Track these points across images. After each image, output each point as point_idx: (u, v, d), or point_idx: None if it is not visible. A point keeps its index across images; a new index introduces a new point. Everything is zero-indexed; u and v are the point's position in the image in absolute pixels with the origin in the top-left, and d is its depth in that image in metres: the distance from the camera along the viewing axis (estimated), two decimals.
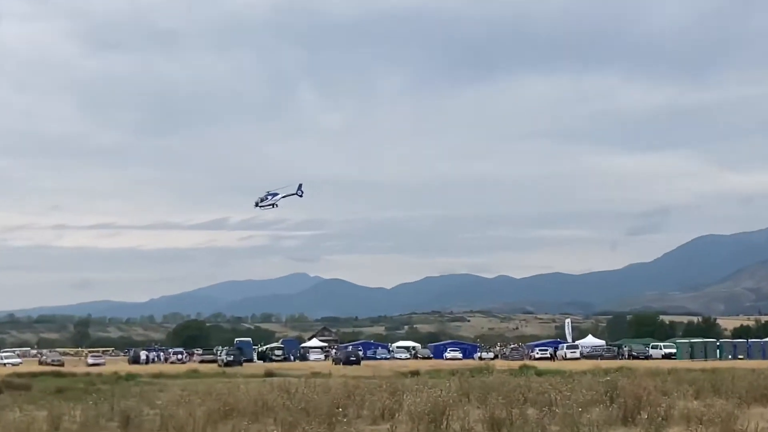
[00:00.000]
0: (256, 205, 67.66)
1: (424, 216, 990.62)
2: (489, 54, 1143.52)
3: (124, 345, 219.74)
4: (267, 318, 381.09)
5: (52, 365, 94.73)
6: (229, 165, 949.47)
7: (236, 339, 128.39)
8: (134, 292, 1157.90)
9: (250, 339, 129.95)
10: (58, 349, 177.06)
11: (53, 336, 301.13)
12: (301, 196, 67.31)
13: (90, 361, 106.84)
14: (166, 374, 59.04)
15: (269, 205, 67.65)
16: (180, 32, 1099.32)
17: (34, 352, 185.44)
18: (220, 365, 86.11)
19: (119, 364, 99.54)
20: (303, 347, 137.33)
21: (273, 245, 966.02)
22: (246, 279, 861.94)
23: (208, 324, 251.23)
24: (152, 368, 77.22)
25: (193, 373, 60.97)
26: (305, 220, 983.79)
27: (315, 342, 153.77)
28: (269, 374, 54.57)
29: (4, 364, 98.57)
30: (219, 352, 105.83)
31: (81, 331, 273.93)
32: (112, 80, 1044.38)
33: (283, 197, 67.53)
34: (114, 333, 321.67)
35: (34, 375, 56.72)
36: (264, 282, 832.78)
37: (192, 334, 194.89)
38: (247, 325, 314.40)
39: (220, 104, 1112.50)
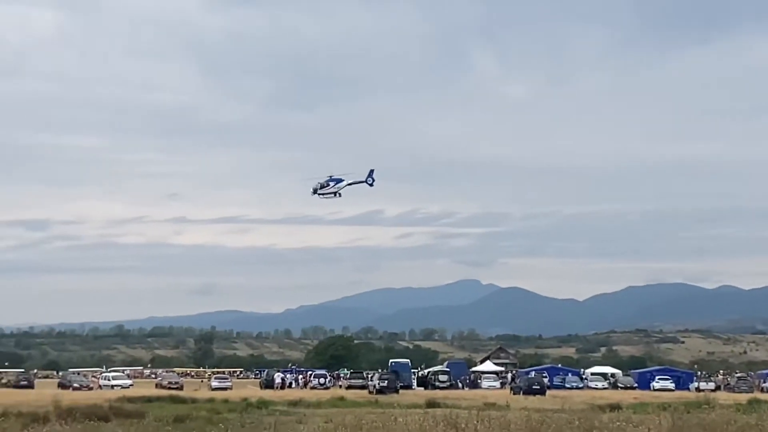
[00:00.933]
0: (315, 192, 67.90)
1: (628, 211, 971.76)
2: (710, 8, 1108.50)
3: (254, 365, 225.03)
4: (429, 335, 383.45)
5: (169, 388, 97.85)
6: (382, 145, 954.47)
7: (391, 360, 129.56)
8: (267, 301, 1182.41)
9: (408, 360, 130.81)
10: (175, 369, 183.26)
11: (170, 353, 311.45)
12: (371, 185, 67.41)
13: (214, 384, 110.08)
14: (306, 402, 60.10)
15: (331, 193, 67.74)
16: None
17: (147, 371, 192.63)
18: (371, 392, 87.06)
19: (249, 389, 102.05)
20: (473, 371, 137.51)
21: (437, 245, 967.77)
22: (403, 286, 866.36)
23: (356, 341, 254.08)
24: (289, 394, 78.81)
25: (339, 401, 61.83)
26: (477, 215, 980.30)
27: (488, 365, 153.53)
28: (432, 404, 54.78)
29: (112, 387, 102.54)
30: (370, 375, 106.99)
31: (203, 347, 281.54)
32: (238, 41, 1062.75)
33: (349, 185, 67.66)
34: (242, 350, 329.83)
35: (147, 400, 58.72)
36: (425, 291, 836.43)
37: (337, 354, 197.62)
38: (404, 343, 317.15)
39: (370, 71, 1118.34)
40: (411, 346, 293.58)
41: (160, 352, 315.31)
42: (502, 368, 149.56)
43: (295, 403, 57.96)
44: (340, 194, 67.27)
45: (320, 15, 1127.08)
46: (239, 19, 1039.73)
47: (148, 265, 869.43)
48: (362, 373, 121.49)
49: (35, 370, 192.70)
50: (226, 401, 58.67)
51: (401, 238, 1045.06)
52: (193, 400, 59.87)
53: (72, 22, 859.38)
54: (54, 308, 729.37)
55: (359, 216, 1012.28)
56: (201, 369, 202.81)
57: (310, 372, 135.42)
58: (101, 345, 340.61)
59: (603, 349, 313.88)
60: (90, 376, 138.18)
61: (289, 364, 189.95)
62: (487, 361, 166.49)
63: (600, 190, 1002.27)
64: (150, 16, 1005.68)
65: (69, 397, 57.64)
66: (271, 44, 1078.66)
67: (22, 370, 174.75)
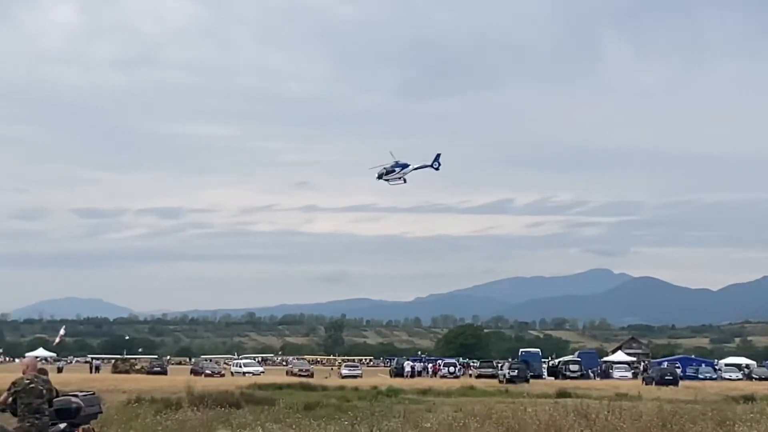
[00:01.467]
0: (380, 177, 67.04)
1: (766, 199, 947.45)
2: None
3: (384, 353, 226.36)
4: (559, 324, 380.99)
5: (300, 375, 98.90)
6: (514, 134, 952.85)
7: (521, 349, 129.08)
8: (397, 290, 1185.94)
9: (538, 350, 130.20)
10: (306, 357, 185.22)
11: (300, 340, 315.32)
12: (437, 169, 66.62)
13: (344, 371, 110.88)
14: (436, 390, 60.06)
15: (397, 178, 66.94)
16: None
17: (278, 359, 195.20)
18: (501, 381, 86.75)
19: (379, 377, 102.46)
20: (605, 361, 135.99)
21: (568, 234, 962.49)
22: (534, 275, 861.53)
23: (486, 330, 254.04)
24: (418, 382, 78.79)
25: (469, 390, 61.64)
26: (610, 203, 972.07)
27: (620, 355, 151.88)
28: (562, 394, 54.28)
29: (244, 374, 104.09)
30: (500, 365, 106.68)
31: (333, 335, 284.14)
32: (371, 30, 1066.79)
33: (416, 169, 66.90)
34: (372, 338, 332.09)
35: (278, 387, 59.26)
36: (556, 280, 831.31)
37: (467, 342, 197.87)
38: (534, 333, 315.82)
39: (503, 59, 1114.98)
40: (541, 336, 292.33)
41: (291, 339, 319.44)
42: (634, 358, 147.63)
43: (424, 392, 57.95)
44: (405, 179, 66.54)
45: (452, 3, 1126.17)
46: (372, 8, 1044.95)
47: (279, 253, 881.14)
48: (492, 362, 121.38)
49: (168, 357, 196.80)
50: (356, 389, 58.89)
51: (532, 227, 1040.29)
52: (324, 388, 60.27)
53: (206, 12, 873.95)
54: (187, 295, 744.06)
55: (489, 205, 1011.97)
56: (331, 357, 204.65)
57: (439, 361, 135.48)
58: (233, 332, 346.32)
59: (737, 339, 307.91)
60: (222, 363, 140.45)
61: (419, 353, 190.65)
62: (619, 351, 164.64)
63: (738, 177, 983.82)
64: (284, 5, 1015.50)
65: (201, 383, 58.55)
66: (404, 32, 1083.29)
67: (156, 356, 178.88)
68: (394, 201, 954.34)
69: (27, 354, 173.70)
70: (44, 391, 16.18)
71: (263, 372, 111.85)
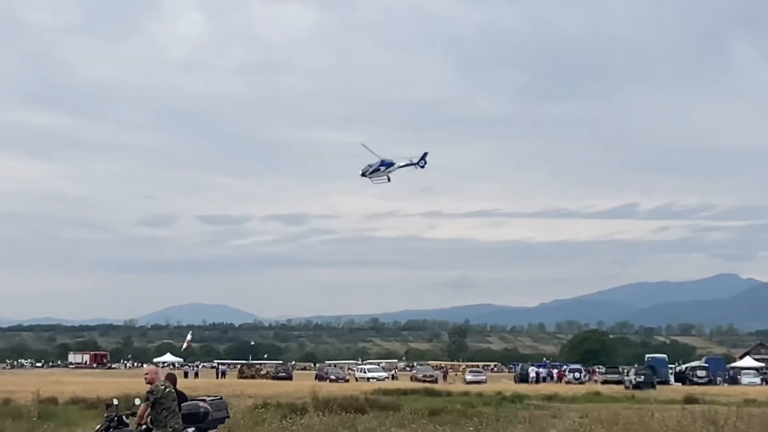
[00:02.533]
0: (364, 174, 63.76)
1: None
2: None
3: (508, 358, 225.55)
4: (686, 330, 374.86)
5: (424, 381, 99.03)
6: (638, 138, 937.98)
7: (647, 355, 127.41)
8: (521, 295, 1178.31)
9: (665, 356, 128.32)
10: (430, 362, 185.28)
11: (424, 346, 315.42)
12: (422, 167, 62.85)
13: (468, 377, 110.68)
14: (561, 396, 59.67)
15: (383, 177, 63.74)
16: None
17: (402, 364, 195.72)
18: (627, 387, 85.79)
19: (503, 382, 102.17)
20: (732, 367, 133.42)
21: (695, 239, 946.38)
22: (659, 280, 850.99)
23: (611, 335, 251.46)
24: (543, 388, 78.40)
25: (594, 396, 61.12)
26: (737, 207, 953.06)
27: (748, 361, 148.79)
28: (690, 400, 53.51)
29: (368, 379, 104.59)
30: (626, 371, 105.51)
31: (457, 340, 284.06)
32: (491, 34, 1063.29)
33: (401, 167, 63.39)
34: (496, 344, 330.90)
35: (402, 392, 59.51)
36: (682, 285, 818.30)
37: (592, 348, 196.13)
38: (660, 338, 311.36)
39: (624, 62, 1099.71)
40: (667, 341, 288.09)
41: (415, 344, 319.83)
42: (763, 364, 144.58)
43: (549, 398, 57.63)
44: (389, 178, 63.53)
45: (573, 6, 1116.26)
46: (492, 12, 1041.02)
47: (403, 258, 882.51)
48: (618, 368, 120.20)
49: (293, 362, 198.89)
50: (480, 395, 58.84)
51: (657, 232, 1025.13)
52: (448, 393, 60.33)
53: (329, 19, 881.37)
54: (311, 301, 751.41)
55: (614, 209, 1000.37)
56: (455, 362, 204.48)
57: (564, 366, 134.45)
58: (357, 337, 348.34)
59: None
60: (346, 369, 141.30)
61: (544, 358, 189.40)
62: (747, 357, 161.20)
63: None
64: (405, 10, 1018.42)
65: (326, 388, 58.99)
66: (524, 36, 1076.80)
67: (281, 361, 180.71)
68: (517, 206, 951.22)
69: (155, 360, 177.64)
70: (174, 397, 16.52)
71: (387, 377, 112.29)
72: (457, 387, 76.11)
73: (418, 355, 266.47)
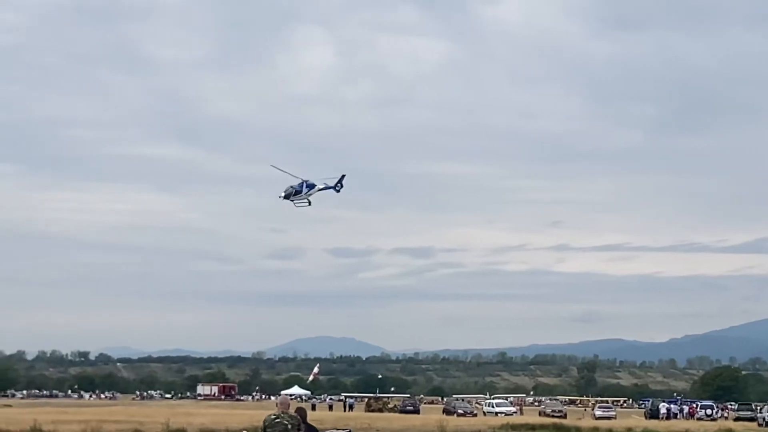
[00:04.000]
0: (287, 197, 59.28)
1: None
2: None
3: (638, 394, 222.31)
4: None
5: (553, 416, 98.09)
6: None
7: None
8: (651, 330, 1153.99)
9: None
10: (558, 397, 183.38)
11: (552, 380, 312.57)
12: (338, 191, 58.95)
13: (597, 413, 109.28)
14: None
15: (303, 200, 59.66)
16: (709, 5, 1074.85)
17: (530, 399, 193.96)
18: (760, 424, 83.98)
19: (633, 418, 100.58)
20: None
21: None
22: None
23: (743, 372, 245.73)
24: (674, 424, 77.10)
25: None
26: None
27: None
28: None
29: (496, 414, 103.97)
30: (759, 407, 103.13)
31: (586, 375, 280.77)
32: (624, 67, 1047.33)
33: (320, 190, 59.44)
34: (626, 379, 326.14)
35: (531, 428, 59.17)
36: None
37: (724, 384, 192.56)
38: None
39: (757, 94, 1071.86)
40: None
41: (543, 379, 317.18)
42: None
43: None
44: (310, 201, 59.44)
45: (705, 37, 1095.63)
46: (625, 44, 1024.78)
47: (530, 292, 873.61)
48: (751, 404, 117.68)
49: (421, 396, 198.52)
50: (610, 431, 58.11)
51: None
52: (577, 429, 59.75)
53: (458, 52, 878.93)
54: (438, 334, 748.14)
55: (747, 244, 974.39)
56: (584, 397, 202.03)
57: (696, 403, 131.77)
58: (484, 372, 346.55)
59: None
60: (474, 403, 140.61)
61: (674, 394, 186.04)
62: None
63: None
64: (534, 43, 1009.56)
65: (454, 423, 58.99)
66: (656, 68, 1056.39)
67: (408, 395, 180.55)
68: (647, 240, 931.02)
69: (282, 392, 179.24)
70: (289, 426, 16.74)
71: (516, 412, 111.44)
72: (587, 423, 75.11)
73: (547, 389, 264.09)
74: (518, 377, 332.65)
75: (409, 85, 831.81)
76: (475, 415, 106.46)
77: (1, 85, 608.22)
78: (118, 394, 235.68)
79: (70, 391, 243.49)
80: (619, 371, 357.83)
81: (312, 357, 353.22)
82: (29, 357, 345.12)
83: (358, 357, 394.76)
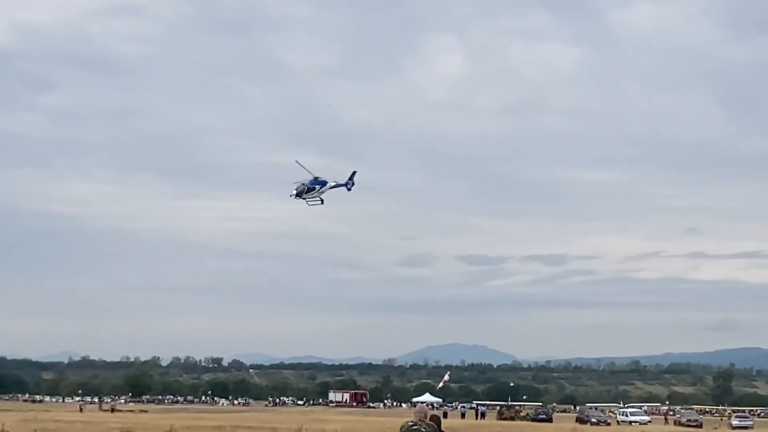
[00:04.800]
0: (298, 195, 55.79)
1: None
2: None
3: None
4: None
5: (688, 425, 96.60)
6: None
7: None
8: None
9: None
10: (693, 406, 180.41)
11: (687, 389, 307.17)
12: (349, 189, 55.55)
13: (734, 422, 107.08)
14: None
15: (316, 197, 56.16)
16: None
17: (665, 408, 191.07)
18: None
19: None
20: None
21: None
22: None
23: None
24: None
25: None
26: None
27: None
28: None
29: (630, 423, 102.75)
30: None
31: (721, 384, 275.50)
32: (761, 71, 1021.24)
33: (331, 188, 56.01)
34: (763, 388, 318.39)
35: None
36: None
37: None
38: None
39: None
40: None
41: (677, 388, 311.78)
42: None
43: None
44: (322, 200, 56.36)
45: None
46: (761, 49, 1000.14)
47: (664, 300, 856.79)
48: None
49: (553, 404, 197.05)
50: None
51: None
52: None
53: (590, 58, 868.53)
54: (570, 342, 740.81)
55: None
56: (720, 407, 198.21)
57: None
58: (617, 380, 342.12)
59: None
60: (607, 411, 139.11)
61: None
62: None
63: None
64: (669, 48, 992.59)
65: (587, 431, 58.41)
66: None
67: (540, 403, 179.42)
68: None
69: (414, 399, 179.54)
70: None
71: (650, 421, 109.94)
72: None
73: (682, 398, 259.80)
74: (652, 386, 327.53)
75: (540, 91, 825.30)
76: (609, 424, 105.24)
77: (139, 95, 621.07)
78: (251, 401, 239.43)
79: (204, 397, 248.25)
80: (756, 380, 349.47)
81: (443, 364, 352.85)
82: (163, 363, 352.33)
83: (489, 365, 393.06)
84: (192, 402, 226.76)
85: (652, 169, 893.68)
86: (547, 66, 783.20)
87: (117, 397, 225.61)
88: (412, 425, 16.94)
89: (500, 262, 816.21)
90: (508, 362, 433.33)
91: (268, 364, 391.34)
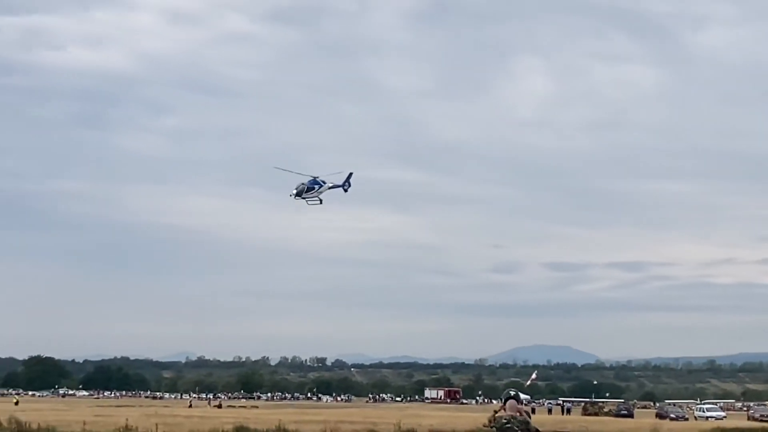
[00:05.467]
0: (299, 195, 52.17)
1: None
2: None
3: None
4: None
5: (762, 420, 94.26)
6: None
7: None
8: None
9: None
10: (766, 403, 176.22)
11: (760, 387, 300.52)
12: (346, 190, 51.32)
13: None
14: None
15: (315, 198, 52.45)
16: None
17: (738, 404, 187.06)
18: None
19: None
20: None
21: None
22: None
23: None
24: None
25: None
26: None
27: None
28: None
29: (707, 418, 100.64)
30: None
31: None
32: None
33: (330, 188, 52.45)
34: None
35: (741, 431, 56.91)
36: None
37: None
38: None
39: None
40: None
41: (751, 386, 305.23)
42: None
43: None
44: (321, 200, 52.82)
45: None
46: None
47: (739, 303, 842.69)
48: None
49: (634, 401, 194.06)
50: None
51: None
52: None
53: (668, 77, 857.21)
54: (649, 343, 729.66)
55: None
56: None
57: None
58: (694, 379, 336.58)
59: None
60: (685, 407, 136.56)
61: None
62: None
63: None
64: (743, 66, 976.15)
65: (666, 426, 57.34)
66: None
67: (622, 400, 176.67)
68: None
69: (510, 392, 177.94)
70: (518, 431, 16.46)
71: (725, 417, 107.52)
72: None
73: (755, 395, 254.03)
74: (727, 384, 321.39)
75: (621, 109, 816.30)
76: (687, 419, 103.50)
77: (250, 116, 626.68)
78: (353, 397, 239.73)
79: (309, 394, 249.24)
80: None
81: (530, 364, 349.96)
82: (272, 362, 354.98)
83: (574, 364, 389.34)
84: (298, 398, 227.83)
85: (725, 181, 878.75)
86: (626, 85, 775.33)
87: (225, 395, 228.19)
88: (506, 422, 16.53)
89: (583, 268, 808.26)
90: (591, 362, 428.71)
91: (368, 363, 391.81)
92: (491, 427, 16.80)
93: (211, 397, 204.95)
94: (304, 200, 52.60)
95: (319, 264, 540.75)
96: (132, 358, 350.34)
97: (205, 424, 50.66)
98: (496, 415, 17.02)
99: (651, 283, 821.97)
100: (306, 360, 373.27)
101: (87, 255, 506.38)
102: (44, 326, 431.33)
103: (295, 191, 52.12)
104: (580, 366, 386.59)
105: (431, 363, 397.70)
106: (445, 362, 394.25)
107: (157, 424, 50.41)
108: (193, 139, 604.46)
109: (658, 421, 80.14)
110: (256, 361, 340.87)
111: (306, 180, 52.17)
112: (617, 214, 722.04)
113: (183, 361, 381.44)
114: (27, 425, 45.56)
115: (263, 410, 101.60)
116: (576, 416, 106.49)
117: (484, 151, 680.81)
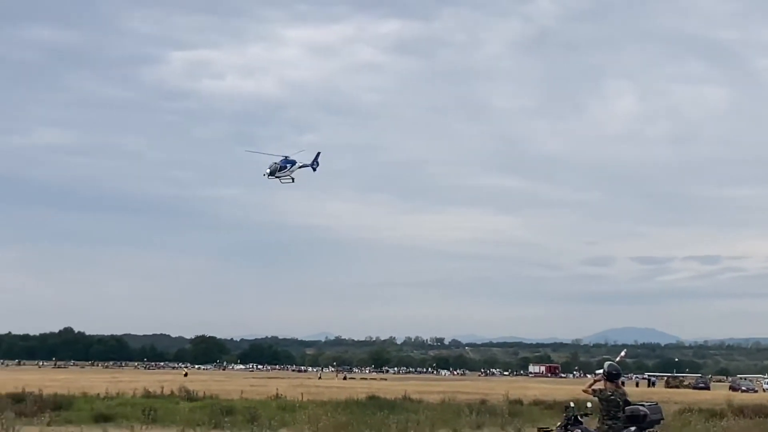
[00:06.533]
0: (272, 174, 45.64)
1: None
2: None
3: None
4: None
5: None
6: None
7: None
8: None
9: None
10: None
11: None
12: (315, 169, 45.17)
13: None
14: None
15: (287, 176, 46.24)
16: None
17: None
18: None
19: None
20: None
21: None
22: None
23: None
24: None
25: None
26: None
27: None
28: None
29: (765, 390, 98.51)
30: None
31: None
32: None
33: (300, 168, 46.13)
34: None
35: None
36: None
37: None
38: None
39: None
40: None
41: None
42: None
43: None
44: (293, 179, 46.72)
45: None
46: None
47: None
48: None
49: (710, 375, 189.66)
50: None
51: None
52: None
53: (739, 96, 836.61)
54: (724, 326, 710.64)
55: None
56: None
57: None
58: (763, 356, 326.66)
59: None
60: (755, 381, 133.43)
61: None
62: None
63: None
64: None
65: (738, 397, 56.32)
66: None
67: (700, 375, 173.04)
68: None
69: (597, 371, 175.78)
70: (620, 402, 16.49)
71: None
72: None
73: None
74: None
75: (698, 124, 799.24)
76: (756, 391, 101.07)
77: (378, 133, 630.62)
78: (467, 371, 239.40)
79: (429, 369, 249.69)
80: None
81: (620, 343, 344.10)
82: (398, 341, 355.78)
83: (658, 344, 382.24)
84: (421, 372, 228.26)
85: None
86: (702, 103, 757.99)
87: (359, 368, 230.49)
88: (610, 395, 16.57)
89: (666, 262, 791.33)
90: (673, 342, 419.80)
91: (480, 342, 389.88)
92: (594, 396, 16.91)
93: (339, 369, 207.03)
94: (277, 179, 47.32)
95: (437, 258, 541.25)
96: (281, 337, 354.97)
97: (342, 394, 51.63)
98: (598, 387, 16.90)
99: (725, 274, 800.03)
100: (427, 339, 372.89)
101: (243, 251, 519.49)
102: (208, 311, 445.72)
103: (268, 170, 46.60)
104: (663, 345, 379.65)
105: (534, 343, 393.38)
106: (545, 342, 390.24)
107: (302, 393, 51.70)
108: (331, 153, 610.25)
109: (731, 392, 78.50)
110: (384, 341, 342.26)
111: (278, 159, 46.75)
112: (695, 215, 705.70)
113: (323, 340, 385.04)
114: (194, 393, 47.21)
115: (391, 382, 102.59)
116: (660, 389, 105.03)
117: (579, 162, 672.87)
